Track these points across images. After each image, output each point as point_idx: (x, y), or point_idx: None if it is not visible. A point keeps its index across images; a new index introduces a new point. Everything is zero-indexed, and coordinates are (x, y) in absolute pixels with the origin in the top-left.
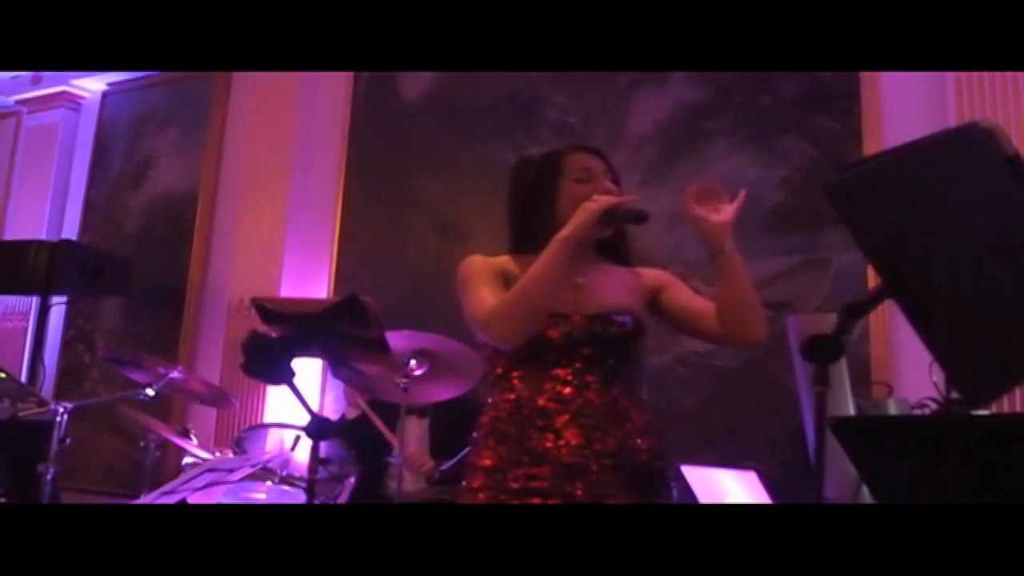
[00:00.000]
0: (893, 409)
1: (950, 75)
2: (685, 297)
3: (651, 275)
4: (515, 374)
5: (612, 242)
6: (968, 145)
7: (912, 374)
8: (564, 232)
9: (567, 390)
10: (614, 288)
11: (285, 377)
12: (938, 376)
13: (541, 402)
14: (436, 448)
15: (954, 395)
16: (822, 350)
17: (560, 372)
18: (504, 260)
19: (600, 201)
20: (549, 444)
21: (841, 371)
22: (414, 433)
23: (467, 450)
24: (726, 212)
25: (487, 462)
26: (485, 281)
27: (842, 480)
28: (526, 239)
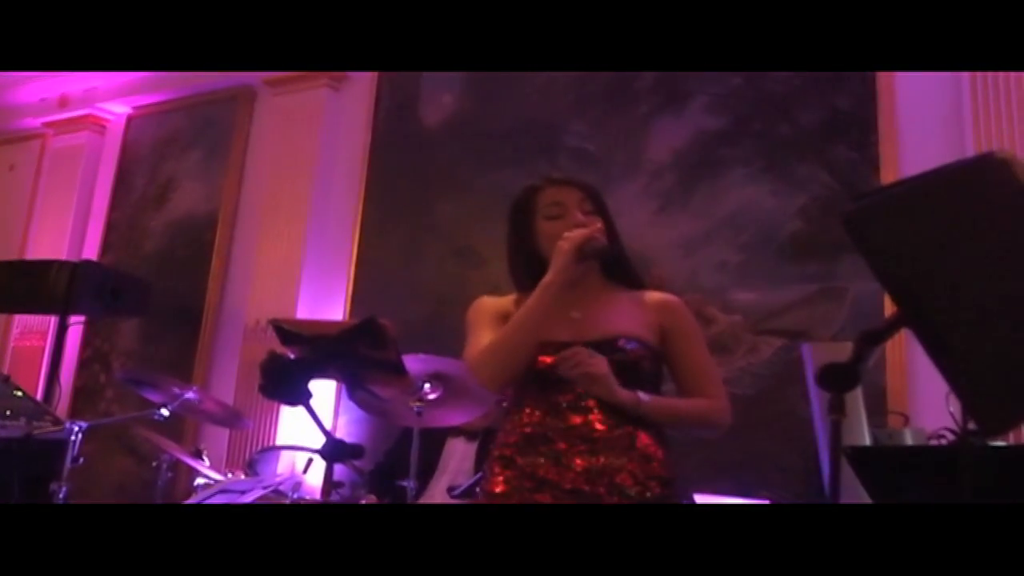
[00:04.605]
0: (909, 439)
1: (967, 104)
2: (685, 365)
3: (669, 310)
4: (521, 402)
5: (615, 266)
6: (984, 175)
7: (928, 404)
8: (546, 278)
9: (569, 417)
10: (620, 314)
11: (303, 398)
12: (954, 406)
13: (545, 429)
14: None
15: (971, 425)
16: (838, 378)
17: (563, 399)
18: (509, 300)
19: (570, 239)
20: (551, 470)
21: (857, 400)
22: (458, 453)
23: (478, 476)
24: (599, 366)
25: (496, 489)
26: (484, 325)
27: None
28: (519, 278)
